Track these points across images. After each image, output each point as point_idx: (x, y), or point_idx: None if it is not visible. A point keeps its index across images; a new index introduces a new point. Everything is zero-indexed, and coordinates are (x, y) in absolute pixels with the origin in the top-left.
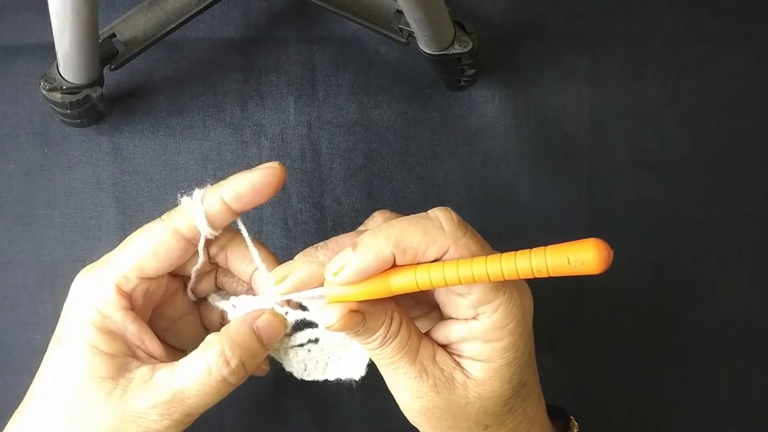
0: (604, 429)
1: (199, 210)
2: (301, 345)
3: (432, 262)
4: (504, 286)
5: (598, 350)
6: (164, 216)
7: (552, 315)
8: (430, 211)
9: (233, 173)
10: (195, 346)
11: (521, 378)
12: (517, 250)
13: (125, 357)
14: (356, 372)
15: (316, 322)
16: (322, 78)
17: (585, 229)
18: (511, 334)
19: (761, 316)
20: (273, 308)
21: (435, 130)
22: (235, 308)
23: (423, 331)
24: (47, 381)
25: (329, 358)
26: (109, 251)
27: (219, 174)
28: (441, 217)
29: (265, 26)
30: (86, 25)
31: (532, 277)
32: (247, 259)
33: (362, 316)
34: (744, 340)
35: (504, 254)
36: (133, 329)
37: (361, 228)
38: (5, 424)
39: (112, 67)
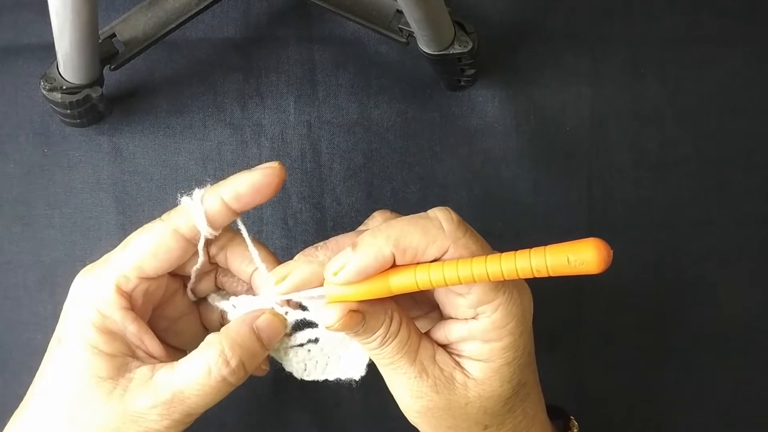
0: (604, 429)
1: (199, 210)
2: (301, 345)
3: (432, 262)
4: (504, 285)
5: (598, 350)
6: (164, 216)
7: (552, 315)
8: (429, 211)
9: (233, 173)
10: (195, 346)
11: (521, 378)
12: (516, 249)
13: (125, 357)
14: (356, 372)
15: (316, 322)
16: (322, 78)
17: (585, 229)
18: (510, 333)
19: (761, 316)
20: (273, 308)
21: (435, 130)
22: (235, 308)
23: (423, 331)
24: (47, 381)
25: (329, 358)
26: (109, 251)
27: (219, 174)
28: (441, 217)
29: (265, 26)
30: (86, 25)
31: (531, 276)
32: (246, 259)
33: (362, 315)
34: (744, 340)
35: (503, 254)
36: (132, 329)
37: (361, 228)
38: (5, 424)
39: (112, 67)
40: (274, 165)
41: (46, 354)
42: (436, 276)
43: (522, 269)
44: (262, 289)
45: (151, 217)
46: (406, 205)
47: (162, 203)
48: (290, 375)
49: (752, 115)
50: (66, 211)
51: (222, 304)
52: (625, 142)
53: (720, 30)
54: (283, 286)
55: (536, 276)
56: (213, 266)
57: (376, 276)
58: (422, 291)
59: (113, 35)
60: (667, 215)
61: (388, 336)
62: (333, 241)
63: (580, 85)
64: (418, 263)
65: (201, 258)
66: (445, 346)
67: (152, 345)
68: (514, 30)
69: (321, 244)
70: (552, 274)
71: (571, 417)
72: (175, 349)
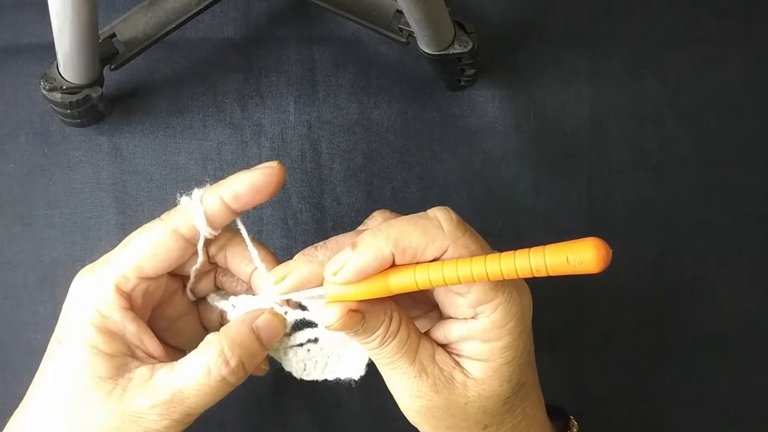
0: (604, 429)
1: (199, 210)
2: (301, 345)
3: (431, 261)
4: (503, 285)
5: (598, 350)
6: (163, 216)
7: (552, 315)
8: (429, 211)
9: (233, 173)
10: (194, 345)
11: (520, 377)
12: (516, 249)
13: (125, 357)
14: (356, 372)
15: (316, 322)
16: (322, 78)
17: (585, 229)
18: (510, 333)
19: (761, 316)
20: (272, 308)
21: (435, 130)
22: (235, 308)
23: (422, 331)
24: (47, 381)
25: (329, 357)
26: (109, 251)
27: (219, 174)
28: (440, 216)
29: (265, 26)
30: (86, 25)
31: (531, 276)
32: (246, 259)
33: (361, 315)
34: (744, 340)
35: (503, 254)
36: (132, 329)
37: (360, 228)
38: (5, 424)
39: (112, 67)
40: (273, 165)
41: (46, 354)
42: (436, 276)
43: (521, 269)
44: (262, 289)
45: (151, 217)
46: (406, 205)
47: (162, 203)
48: (290, 375)
49: (752, 115)
50: (66, 211)
51: (221, 304)
52: (625, 142)
53: (720, 30)
54: (282, 286)
55: (535, 275)
56: (212, 266)
57: (375, 276)
58: (422, 291)
59: (113, 35)
60: (667, 215)
61: (387, 336)
62: (333, 241)
63: (580, 85)
64: (417, 263)
65: (200, 258)
66: (444, 346)
67: (152, 345)
68: (514, 30)
69: (321, 243)
70: (551, 274)
71: (571, 417)
72: (175, 349)
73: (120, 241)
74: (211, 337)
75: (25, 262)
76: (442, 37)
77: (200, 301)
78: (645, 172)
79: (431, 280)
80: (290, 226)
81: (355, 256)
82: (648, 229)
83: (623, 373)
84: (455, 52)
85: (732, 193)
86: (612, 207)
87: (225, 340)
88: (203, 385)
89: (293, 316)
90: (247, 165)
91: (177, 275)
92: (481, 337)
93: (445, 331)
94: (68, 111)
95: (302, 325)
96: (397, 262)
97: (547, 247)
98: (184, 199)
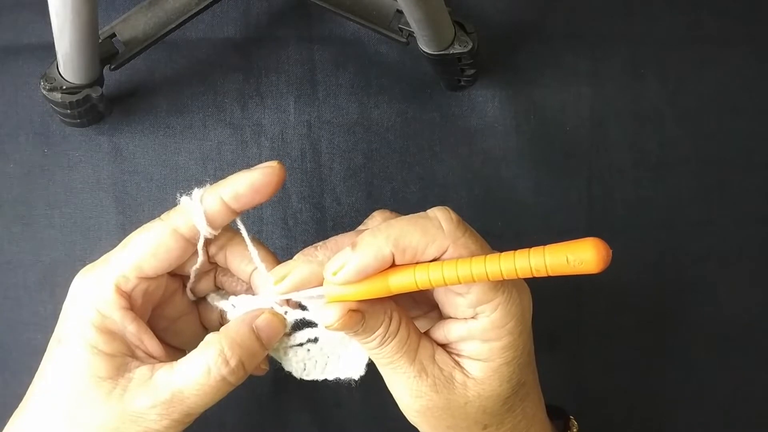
0: (604, 429)
1: (199, 210)
2: (301, 344)
3: (431, 261)
4: (503, 285)
5: (598, 350)
6: (163, 216)
7: (552, 315)
8: (429, 211)
9: (233, 173)
10: (194, 345)
11: (520, 377)
12: (516, 249)
13: (125, 357)
14: (356, 371)
15: (316, 322)
16: (322, 78)
17: (585, 229)
18: (510, 333)
19: (761, 316)
20: (272, 308)
21: (435, 130)
22: (235, 308)
23: (422, 331)
24: (47, 381)
25: (329, 357)
26: (109, 251)
27: (219, 174)
28: (440, 216)
29: (265, 26)
30: (86, 25)
31: (531, 276)
32: (246, 259)
33: (361, 315)
34: (744, 340)
35: (503, 254)
36: (132, 329)
37: (360, 228)
38: (5, 424)
39: (112, 67)
40: (273, 164)
41: (46, 354)
42: (436, 276)
43: (521, 269)
44: (262, 289)
45: (151, 217)
46: (406, 205)
47: (162, 203)
48: (290, 375)
49: (752, 115)
50: (66, 211)
51: (221, 304)
52: (625, 142)
53: (720, 30)
54: (282, 286)
55: (535, 276)
56: (212, 266)
57: (375, 276)
58: (422, 291)
59: (113, 35)
60: (667, 215)
61: (387, 335)
62: (332, 241)
63: (580, 85)
64: (417, 263)
65: (200, 258)
66: (444, 346)
67: (152, 345)
68: (514, 30)
69: (320, 243)
70: (551, 274)
71: (571, 417)
72: (175, 348)
73: (120, 241)
74: (211, 337)
75: (25, 262)
76: (442, 37)
77: (200, 301)
78: (645, 172)
79: (431, 280)
80: (290, 226)
81: (354, 256)
82: (648, 229)
83: (623, 373)
84: (455, 52)
85: (732, 193)
86: (612, 207)
87: (225, 340)
88: (203, 384)
89: (293, 316)
90: (247, 165)
91: (177, 275)
92: (481, 337)
93: (445, 331)
94: (68, 111)
95: (302, 325)
96: (397, 262)
97: (547, 247)
98: (184, 199)
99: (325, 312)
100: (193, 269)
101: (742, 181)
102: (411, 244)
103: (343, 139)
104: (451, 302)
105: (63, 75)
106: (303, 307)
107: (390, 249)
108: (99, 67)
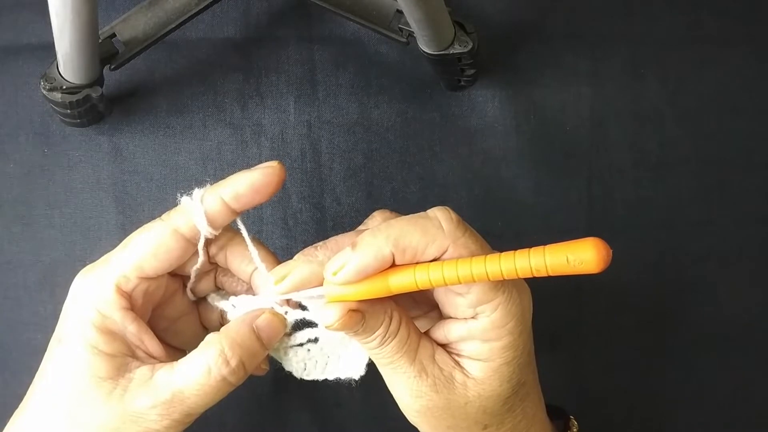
0: (604, 429)
1: (199, 210)
2: (301, 344)
3: (431, 261)
4: (503, 285)
5: (598, 350)
6: (164, 216)
7: (552, 315)
8: (429, 211)
9: (233, 173)
10: (195, 345)
11: (520, 377)
12: (516, 249)
13: (125, 357)
14: (356, 371)
15: (316, 322)
16: (322, 78)
17: (585, 229)
18: (510, 333)
19: (761, 316)
20: (272, 308)
21: (435, 130)
22: (235, 308)
23: (422, 331)
24: (47, 381)
25: (329, 357)
26: (109, 251)
27: (219, 174)
28: (440, 216)
29: (265, 26)
30: (86, 25)
31: (531, 276)
32: (246, 259)
33: (361, 315)
34: (744, 340)
35: (503, 254)
36: (132, 329)
37: (360, 228)
38: (5, 424)
39: (112, 67)
40: (273, 164)
41: (46, 354)
42: (436, 276)
43: (521, 269)
44: (262, 289)
45: (151, 217)
46: (406, 205)
47: (162, 203)
48: (290, 375)
49: (752, 115)
50: (66, 211)
51: (222, 304)
52: (625, 142)
53: (720, 30)
54: (282, 286)
55: (535, 276)
56: (213, 266)
57: (375, 276)
58: (422, 291)
59: (113, 35)
60: (667, 215)
61: (387, 335)
62: (332, 241)
63: (580, 85)
64: (417, 263)
65: (201, 258)
66: (444, 346)
67: (152, 345)
68: (514, 30)
69: (321, 243)
70: (551, 274)
71: (571, 417)
72: (175, 349)
73: (120, 241)
74: (211, 337)
75: (25, 262)
76: (442, 37)
77: (200, 301)
78: (645, 172)
79: (431, 280)
80: (290, 226)
81: (355, 256)
82: (648, 229)
83: (623, 373)
84: (455, 52)
85: (732, 193)
86: (612, 207)
87: (225, 340)
88: (203, 385)
89: (293, 316)
90: (247, 165)
91: (177, 275)
92: (481, 337)
93: (445, 331)
94: (68, 111)
95: (302, 325)
96: (397, 262)
97: (547, 247)
98: (184, 199)
99: (325, 312)
100: (193, 269)
101: (742, 181)
102: (411, 244)
103: (343, 139)
104: (451, 302)
105: (63, 75)
106: (303, 307)
107: (390, 249)
108: (99, 67)
